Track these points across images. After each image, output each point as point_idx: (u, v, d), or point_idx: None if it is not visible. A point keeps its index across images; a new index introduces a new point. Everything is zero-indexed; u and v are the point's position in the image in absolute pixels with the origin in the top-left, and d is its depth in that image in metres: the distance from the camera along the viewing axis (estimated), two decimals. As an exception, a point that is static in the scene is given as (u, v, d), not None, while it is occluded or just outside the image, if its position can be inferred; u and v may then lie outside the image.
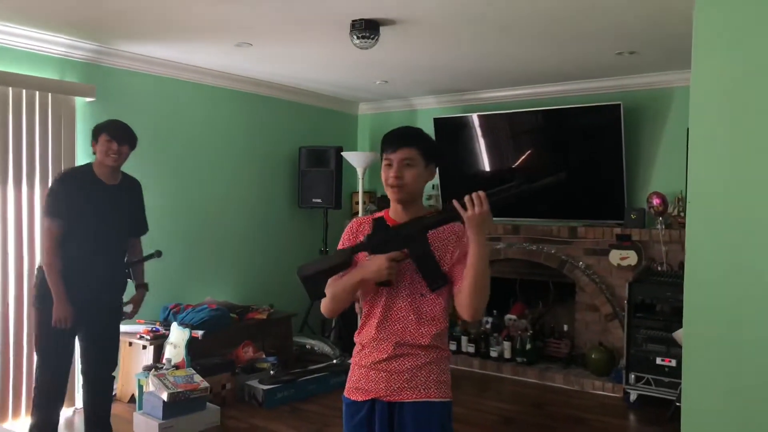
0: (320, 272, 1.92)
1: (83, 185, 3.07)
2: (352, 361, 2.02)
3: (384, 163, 1.92)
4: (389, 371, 1.90)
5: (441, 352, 1.93)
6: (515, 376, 5.00)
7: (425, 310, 1.90)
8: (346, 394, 2.00)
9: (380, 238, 1.88)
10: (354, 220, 2.08)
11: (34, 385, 3.20)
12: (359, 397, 1.95)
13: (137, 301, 3.39)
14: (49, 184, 3.32)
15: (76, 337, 3.20)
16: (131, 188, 3.28)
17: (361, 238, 1.93)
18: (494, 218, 1.88)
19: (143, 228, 3.39)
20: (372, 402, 1.92)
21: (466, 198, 1.77)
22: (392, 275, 1.85)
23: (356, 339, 2.01)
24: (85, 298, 3.07)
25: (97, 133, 3.11)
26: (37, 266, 3.28)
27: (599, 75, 4.86)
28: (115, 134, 3.08)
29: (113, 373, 3.40)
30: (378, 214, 1.95)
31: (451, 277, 1.88)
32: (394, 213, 1.96)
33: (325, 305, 1.96)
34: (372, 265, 1.85)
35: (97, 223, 3.08)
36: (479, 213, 1.75)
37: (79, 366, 3.36)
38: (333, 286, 1.93)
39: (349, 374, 2.01)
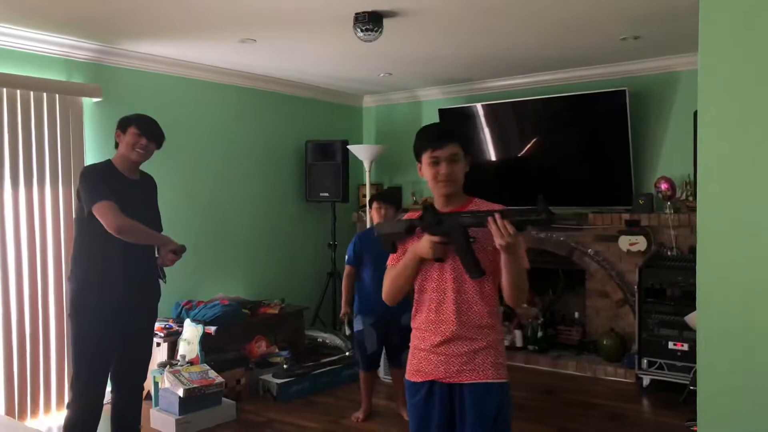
0: (394, 233, 2.12)
1: (108, 178, 2.89)
2: (411, 344, 2.13)
3: (429, 160, 2.02)
4: (448, 354, 2.00)
5: (497, 334, 2.02)
6: (527, 364, 5.02)
7: (477, 290, 2.00)
8: (407, 376, 2.12)
9: (430, 221, 1.99)
10: None
11: (67, 404, 2.96)
12: (418, 379, 2.07)
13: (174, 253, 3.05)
14: (75, 182, 3.12)
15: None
16: (151, 185, 3.15)
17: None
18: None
19: (160, 226, 3.18)
20: (431, 383, 2.04)
21: (493, 228, 1.83)
22: (438, 253, 1.96)
23: (413, 324, 2.10)
24: (121, 297, 2.88)
25: (125, 124, 2.96)
26: (66, 276, 3.02)
27: (604, 61, 4.84)
28: (145, 129, 2.95)
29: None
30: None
31: (496, 266, 1.98)
32: (439, 204, 2.06)
33: (385, 291, 2.10)
34: (424, 241, 1.98)
35: (130, 214, 2.86)
36: (506, 244, 1.82)
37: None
38: (392, 269, 2.07)
39: (409, 358, 2.12)
